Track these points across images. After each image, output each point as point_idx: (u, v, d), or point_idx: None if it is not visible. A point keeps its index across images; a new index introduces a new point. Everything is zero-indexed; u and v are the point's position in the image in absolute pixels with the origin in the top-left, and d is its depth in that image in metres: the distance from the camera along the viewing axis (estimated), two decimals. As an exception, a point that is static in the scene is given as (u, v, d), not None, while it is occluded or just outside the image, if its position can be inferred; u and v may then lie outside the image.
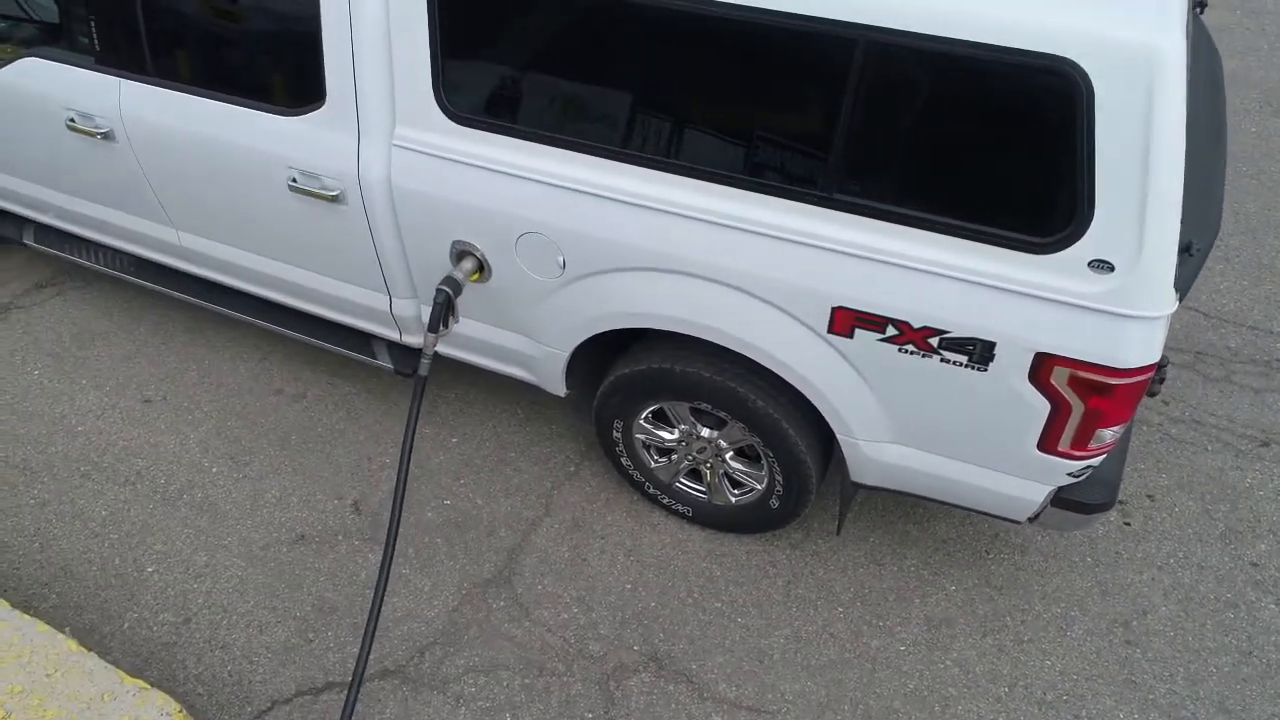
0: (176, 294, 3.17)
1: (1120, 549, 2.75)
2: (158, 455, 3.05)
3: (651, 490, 2.78)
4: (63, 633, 1.97)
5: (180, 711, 1.89)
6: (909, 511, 2.86)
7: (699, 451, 2.61)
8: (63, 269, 3.78)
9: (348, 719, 2.25)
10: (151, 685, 1.94)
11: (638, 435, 2.66)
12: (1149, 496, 2.89)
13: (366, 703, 2.40)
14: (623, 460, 2.76)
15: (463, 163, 2.24)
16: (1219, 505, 2.86)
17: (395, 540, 2.34)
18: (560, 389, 2.67)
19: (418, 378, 2.38)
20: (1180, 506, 2.86)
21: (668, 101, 2.00)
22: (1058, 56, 1.64)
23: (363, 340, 2.96)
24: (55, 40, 2.76)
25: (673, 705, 2.40)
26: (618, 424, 2.65)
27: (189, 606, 2.62)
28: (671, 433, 2.62)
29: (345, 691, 2.42)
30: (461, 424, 3.14)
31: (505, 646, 2.53)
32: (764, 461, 2.49)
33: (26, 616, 2.03)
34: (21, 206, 3.31)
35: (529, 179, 2.18)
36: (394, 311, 2.70)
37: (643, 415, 2.60)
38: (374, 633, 2.30)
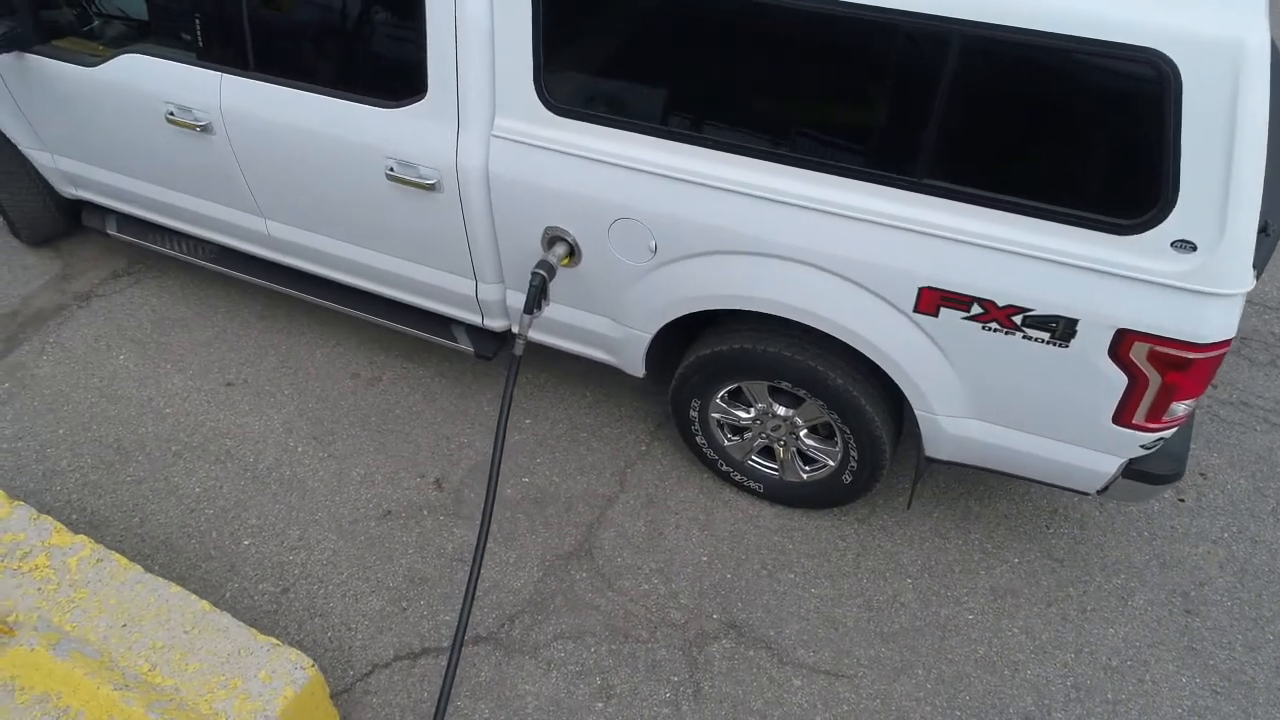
0: (257, 280, 3.30)
1: (1175, 524, 2.86)
2: (244, 435, 3.18)
3: (724, 468, 2.90)
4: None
5: (312, 666, 2.01)
6: (971, 488, 2.97)
7: (774, 429, 2.72)
8: (138, 258, 3.92)
9: (449, 682, 2.38)
10: (283, 642, 2.06)
11: (713, 414, 2.78)
12: (1201, 474, 3.00)
13: (463, 667, 2.52)
14: (697, 439, 2.87)
15: (561, 152, 2.35)
16: (1269, 483, 2.97)
17: (491, 511, 2.46)
18: (640, 370, 2.79)
19: (513, 358, 2.49)
20: (1232, 484, 2.97)
21: (765, 92, 2.11)
22: (1148, 49, 1.75)
23: (442, 324, 3.08)
24: (156, 38, 2.88)
25: (754, 669, 2.52)
26: (695, 403, 2.77)
27: (286, 577, 2.75)
28: (747, 412, 2.74)
29: (440, 656, 2.55)
30: (534, 406, 3.27)
31: (590, 614, 2.65)
32: (839, 438, 2.60)
33: (160, 579, 2.15)
34: (110, 198, 3.44)
35: (625, 167, 2.30)
36: (479, 296, 2.82)
37: (720, 394, 2.71)
38: (472, 601, 2.42)
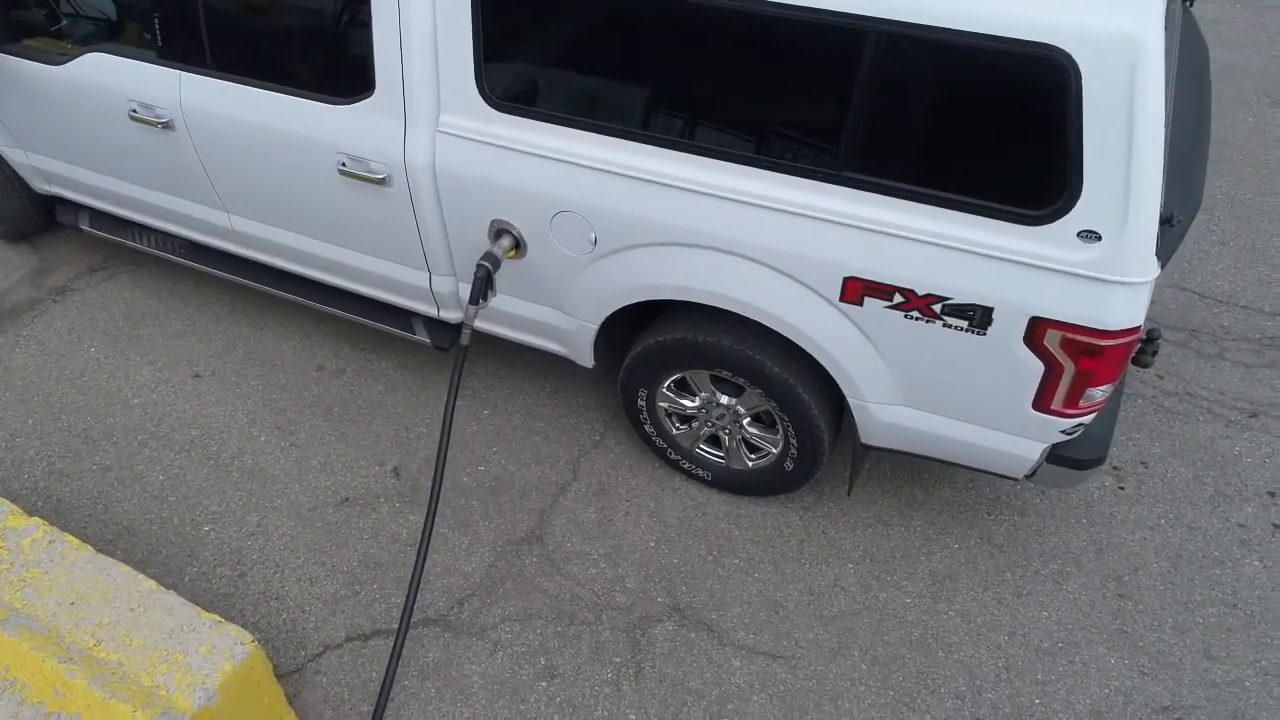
0: (225, 275, 3.38)
1: (1114, 511, 2.92)
2: (209, 425, 3.25)
3: (673, 456, 2.97)
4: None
5: (253, 642, 2.08)
6: (915, 476, 3.04)
7: (718, 418, 2.79)
8: (113, 253, 4.00)
9: (395, 662, 2.45)
10: (226, 619, 2.14)
11: (661, 403, 2.85)
12: (1142, 463, 3.06)
13: (412, 647, 2.59)
14: (646, 428, 2.94)
15: (502, 147, 2.43)
16: (1209, 471, 3.03)
17: (438, 496, 2.53)
18: (589, 360, 2.86)
19: (459, 347, 2.57)
20: (1172, 472, 3.03)
21: (693, 88, 2.18)
22: (1049, 45, 1.82)
23: (402, 317, 3.15)
24: (118, 37, 2.96)
25: (695, 651, 2.59)
26: (642, 393, 2.83)
27: (244, 562, 2.83)
28: (693, 400, 2.80)
29: (391, 638, 2.62)
30: (493, 397, 3.34)
31: (538, 598, 2.72)
32: (779, 426, 2.67)
33: (109, 559, 2.23)
34: (80, 194, 3.52)
35: (563, 161, 2.37)
36: (433, 288, 2.89)
37: (666, 384, 2.78)
38: (419, 584, 2.50)
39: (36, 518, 2.34)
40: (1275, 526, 2.86)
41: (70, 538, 2.29)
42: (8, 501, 2.39)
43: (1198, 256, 3.89)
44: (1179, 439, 3.14)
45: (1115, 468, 3.04)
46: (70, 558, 2.23)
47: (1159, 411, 3.23)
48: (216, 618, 2.13)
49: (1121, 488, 2.99)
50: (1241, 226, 4.02)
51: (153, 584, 2.19)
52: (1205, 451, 3.09)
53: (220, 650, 2.05)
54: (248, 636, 2.09)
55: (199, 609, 2.15)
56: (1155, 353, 2.33)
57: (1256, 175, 4.31)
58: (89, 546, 2.26)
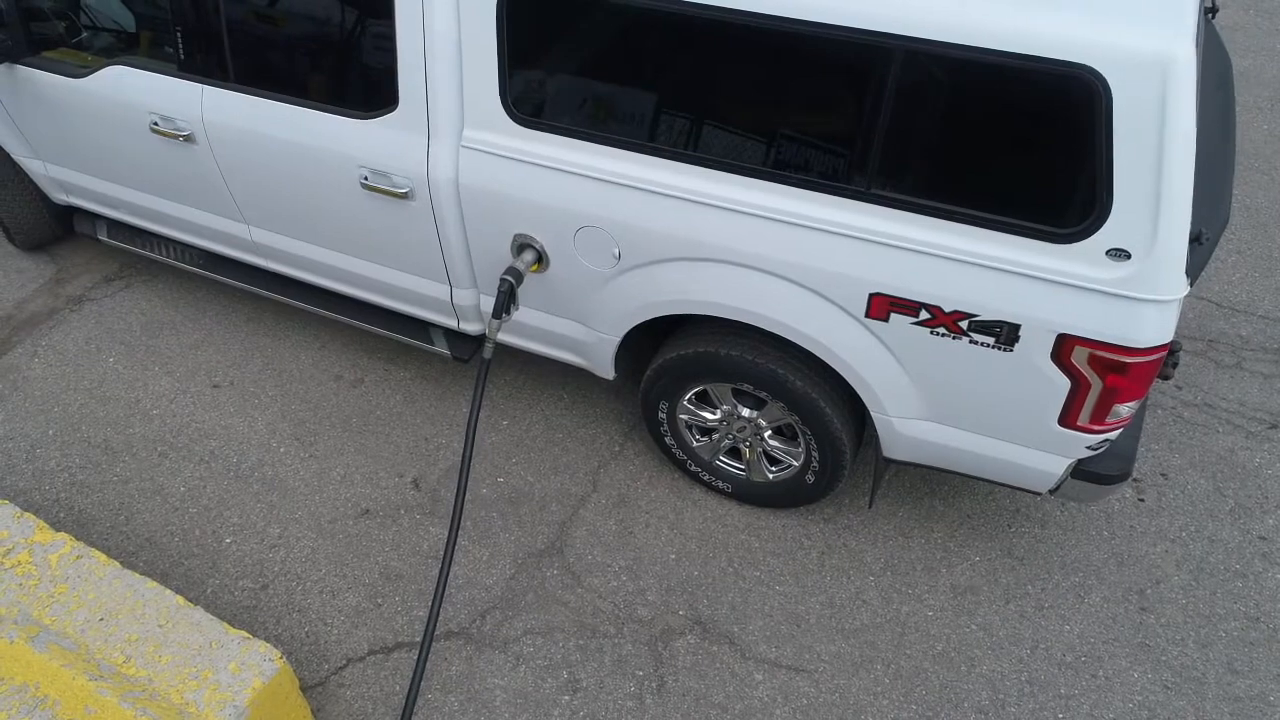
0: (242, 285, 3.38)
1: (1135, 523, 2.92)
2: (228, 436, 3.26)
3: (693, 468, 2.97)
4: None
5: (281, 658, 2.09)
6: (935, 488, 3.04)
7: (739, 430, 2.79)
8: (129, 263, 4.01)
9: (419, 675, 2.45)
10: (253, 635, 2.14)
11: (681, 416, 2.85)
12: (1162, 475, 3.06)
13: (435, 661, 2.60)
14: (666, 439, 2.95)
15: (526, 162, 2.43)
16: (1229, 483, 3.03)
17: (461, 510, 2.54)
18: (610, 373, 2.86)
19: (482, 361, 2.57)
20: (1192, 484, 3.03)
21: (719, 105, 2.18)
22: (1080, 64, 1.82)
23: (420, 328, 3.16)
24: (140, 50, 2.97)
25: (717, 664, 2.59)
26: (663, 405, 2.84)
27: (266, 574, 2.83)
28: (714, 413, 2.81)
29: (413, 651, 2.63)
30: (511, 408, 3.34)
31: (560, 611, 2.72)
32: (801, 439, 2.67)
33: (136, 575, 2.24)
34: (99, 204, 3.53)
35: (588, 177, 2.37)
36: (454, 301, 2.90)
37: (687, 396, 2.78)
38: (442, 597, 2.50)
39: (63, 533, 2.34)
40: (1297, 539, 2.86)
41: (97, 553, 2.29)
42: (34, 516, 2.39)
43: (1214, 265, 3.88)
44: (1198, 450, 3.13)
45: (1135, 479, 3.04)
46: (98, 573, 2.24)
47: (1178, 422, 3.23)
48: (244, 634, 2.14)
49: (1141, 499, 2.99)
50: (1258, 235, 4.02)
51: (180, 599, 2.19)
52: (1225, 463, 3.09)
53: (249, 667, 2.06)
54: (276, 653, 2.10)
55: (226, 625, 2.15)
56: (1176, 364, 2.33)
57: (1273, 183, 4.30)
58: (115, 562, 2.27)
